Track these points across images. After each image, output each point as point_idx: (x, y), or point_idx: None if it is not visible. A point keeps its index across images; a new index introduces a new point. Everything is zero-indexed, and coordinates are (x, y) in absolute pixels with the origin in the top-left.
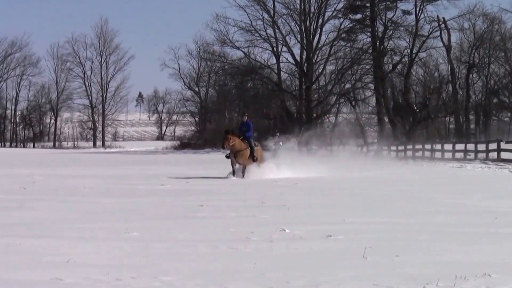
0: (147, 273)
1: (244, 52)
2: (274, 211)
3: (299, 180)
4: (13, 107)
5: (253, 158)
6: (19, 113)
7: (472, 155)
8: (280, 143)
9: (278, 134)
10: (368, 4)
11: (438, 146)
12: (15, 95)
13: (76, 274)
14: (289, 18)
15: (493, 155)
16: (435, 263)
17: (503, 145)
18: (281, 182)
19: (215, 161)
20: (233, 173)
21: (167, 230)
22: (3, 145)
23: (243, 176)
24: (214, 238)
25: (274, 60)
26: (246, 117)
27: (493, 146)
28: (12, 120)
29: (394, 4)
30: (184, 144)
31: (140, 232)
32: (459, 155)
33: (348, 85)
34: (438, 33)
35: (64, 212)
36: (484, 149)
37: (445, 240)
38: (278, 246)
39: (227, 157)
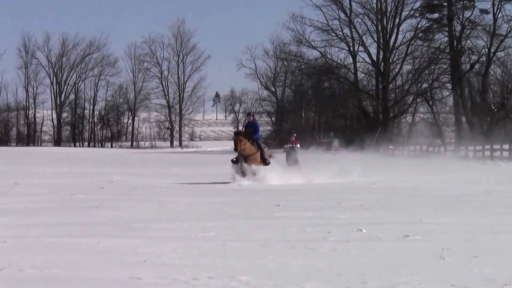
0: (224, 273)
1: (320, 52)
2: (351, 211)
3: (377, 181)
4: (91, 107)
5: (265, 161)
6: (97, 113)
7: None
8: (298, 145)
9: (295, 135)
10: (445, 4)
11: None
12: (93, 95)
13: (153, 273)
14: (366, 17)
15: None
16: None
17: None
18: (357, 183)
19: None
20: (242, 174)
21: (244, 229)
22: (81, 145)
23: (254, 178)
24: (291, 238)
25: (350, 60)
26: (252, 117)
27: None
28: (90, 120)
29: (472, 3)
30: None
31: (217, 231)
32: None
33: (425, 85)
34: None
35: (141, 211)
36: None
37: None
38: (355, 246)
39: (234, 161)
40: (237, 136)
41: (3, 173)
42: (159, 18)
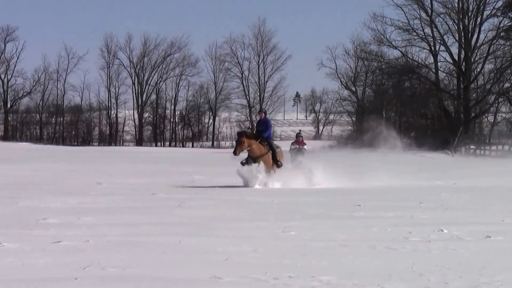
0: (304, 273)
1: (401, 51)
2: (431, 211)
3: (458, 181)
4: (173, 107)
5: (277, 163)
6: (178, 113)
7: None
8: (305, 147)
9: (301, 135)
10: None
11: None
12: (174, 95)
13: (234, 272)
14: (447, 17)
15: None
16: None
17: None
18: (439, 182)
19: (373, 161)
20: (252, 179)
21: (324, 229)
22: (162, 145)
23: (266, 182)
24: (372, 237)
25: (431, 59)
26: (263, 114)
27: None
28: (171, 120)
29: None
30: (342, 143)
31: (297, 231)
32: None
33: (507, 84)
34: None
35: (222, 211)
36: None
37: None
38: (436, 247)
39: (243, 163)
40: (239, 138)
41: (86, 172)
42: (240, 18)
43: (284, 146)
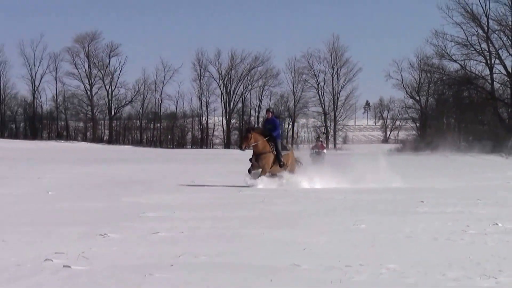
0: (373, 261)
1: (460, 65)
2: (488, 207)
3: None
4: (256, 114)
5: (279, 163)
6: (261, 119)
7: None
8: (325, 150)
9: (321, 140)
10: None
11: None
12: (258, 104)
13: (311, 261)
14: (502, 33)
15: None
16: None
17: None
18: (496, 182)
19: (434, 163)
20: (256, 179)
21: (391, 223)
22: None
23: (270, 182)
24: (434, 231)
25: (487, 72)
26: (270, 113)
27: None
28: (255, 125)
29: None
30: (407, 147)
31: (367, 224)
32: None
33: None
34: None
35: (302, 206)
36: None
37: None
38: (491, 239)
39: (251, 160)
40: (247, 132)
41: (182, 172)
42: (316, 35)
43: (358, 149)
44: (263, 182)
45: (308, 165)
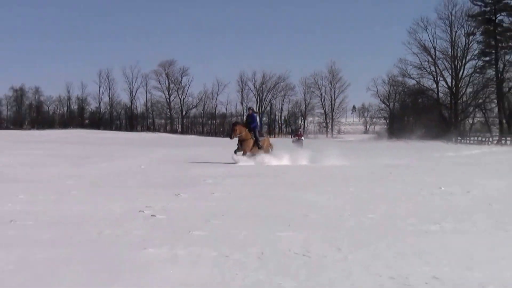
0: (358, 213)
1: (416, 81)
2: (434, 176)
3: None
4: (279, 114)
5: (258, 146)
6: (283, 117)
7: None
8: (302, 138)
9: (300, 131)
10: (493, 51)
11: None
12: (280, 107)
13: (316, 212)
14: (444, 60)
15: None
16: None
17: None
18: (439, 159)
19: (393, 147)
20: (240, 158)
21: (370, 187)
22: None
23: (250, 160)
24: (399, 192)
25: (434, 86)
26: (251, 111)
27: None
28: (279, 122)
29: (510, 50)
30: (380, 136)
31: (355, 188)
32: None
33: (480, 101)
34: None
35: (308, 177)
36: None
37: None
38: (438, 198)
39: (238, 145)
40: (233, 127)
41: (226, 152)
42: (321, 59)
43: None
44: (243, 160)
45: (287, 148)
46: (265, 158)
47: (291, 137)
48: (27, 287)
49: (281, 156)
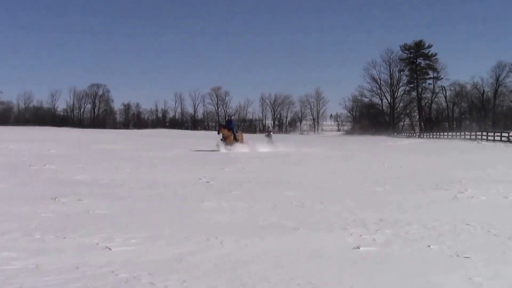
0: (331, 183)
1: (369, 99)
2: (384, 157)
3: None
4: (285, 120)
5: (235, 139)
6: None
7: None
8: (271, 134)
9: (270, 128)
10: (415, 81)
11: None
12: (286, 115)
13: (307, 181)
14: (386, 86)
15: None
16: None
17: None
18: (384, 147)
19: (351, 141)
20: (223, 147)
21: (340, 164)
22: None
23: (230, 148)
24: (359, 167)
25: (380, 102)
26: (230, 117)
27: None
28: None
29: (425, 80)
30: (347, 133)
31: (332, 166)
32: None
33: (407, 111)
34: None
35: (300, 158)
36: None
37: None
38: (385, 170)
39: (221, 139)
40: (219, 127)
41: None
42: (311, 84)
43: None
44: (226, 149)
45: (257, 141)
46: (239, 147)
47: (265, 134)
48: (133, 224)
49: (255, 146)
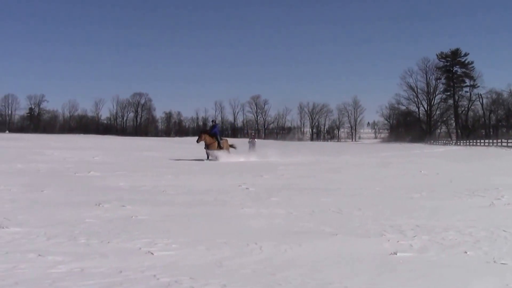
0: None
1: (406, 107)
2: (419, 164)
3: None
4: (323, 127)
5: (219, 147)
6: None
7: None
8: (255, 140)
9: (253, 133)
10: (452, 89)
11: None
12: (324, 122)
13: (345, 186)
14: (423, 94)
15: None
16: None
17: None
18: (420, 153)
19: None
20: (207, 157)
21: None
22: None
23: (216, 159)
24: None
25: (416, 110)
26: (214, 122)
27: None
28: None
29: (461, 88)
30: (384, 141)
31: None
32: None
33: (444, 118)
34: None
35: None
36: None
37: None
38: (419, 176)
39: (205, 148)
40: (200, 133)
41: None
42: (347, 93)
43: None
44: (211, 156)
45: (242, 148)
46: (224, 155)
47: (248, 140)
48: (174, 229)
49: (242, 154)
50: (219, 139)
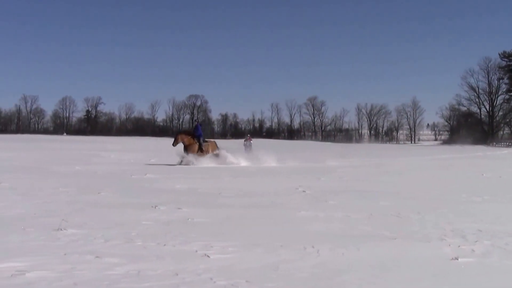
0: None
1: (467, 108)
2: (479, 166)
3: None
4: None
5: (201, 150)
6: None
7: None
8: (251, 141)
9: (249, 135)
10: None
11: None
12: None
13: (404, 189)
14: (484, 94)
15: None
16: None
17: None
18: (481, 155)
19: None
20: (181, 162)
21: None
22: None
23: (191, 163)
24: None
25: (478, 111)
26: (197, 123)
27: None
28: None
29: None
30: (444, 143)
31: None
32: None
33: (507, 120)
34: None
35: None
36: None
37: None
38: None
39: (184, 151)
40: (176, 135)
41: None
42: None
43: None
44: (187, 161)
45: (237, 150)
46: (207, 160)
47: (244, 141)
48: (230, 232)
49: (233, 157)
50: (201, 141)
